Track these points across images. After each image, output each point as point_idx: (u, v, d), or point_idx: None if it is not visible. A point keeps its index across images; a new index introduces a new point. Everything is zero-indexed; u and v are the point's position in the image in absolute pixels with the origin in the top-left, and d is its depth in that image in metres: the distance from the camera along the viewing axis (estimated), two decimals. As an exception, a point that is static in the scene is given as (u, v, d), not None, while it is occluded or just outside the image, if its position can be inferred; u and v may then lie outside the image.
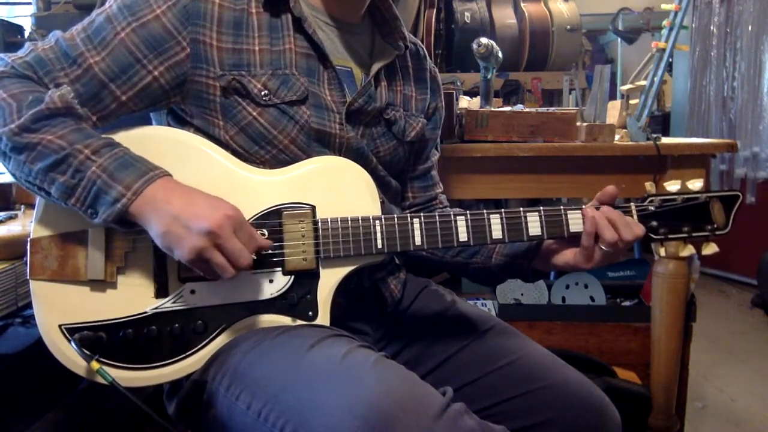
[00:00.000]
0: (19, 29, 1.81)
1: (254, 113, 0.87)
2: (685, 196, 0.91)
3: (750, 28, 3.42)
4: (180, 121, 0.91)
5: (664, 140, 1.58)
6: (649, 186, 0.92)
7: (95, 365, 0.79)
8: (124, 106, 0.85)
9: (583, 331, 1.76)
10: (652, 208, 0.90)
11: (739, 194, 0.92)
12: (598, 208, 0.89)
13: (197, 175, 0.85)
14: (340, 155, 0.92)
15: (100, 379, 0.80)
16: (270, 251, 0.84)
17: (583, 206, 0.90)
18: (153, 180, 0.77)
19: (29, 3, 2.09)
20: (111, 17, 0.84)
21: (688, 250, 0.92)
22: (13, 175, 0.80)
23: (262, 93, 0.87)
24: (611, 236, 0.86)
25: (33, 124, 0.76)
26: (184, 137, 0.88)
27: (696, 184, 0.91)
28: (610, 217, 0.87)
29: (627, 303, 1.86)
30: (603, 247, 0.87)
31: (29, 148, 0.76)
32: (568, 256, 0.92)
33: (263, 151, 0.89)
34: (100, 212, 0.76)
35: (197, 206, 0.76)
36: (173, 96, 0.88)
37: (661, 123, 3.65)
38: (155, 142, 0.86)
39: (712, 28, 3.61)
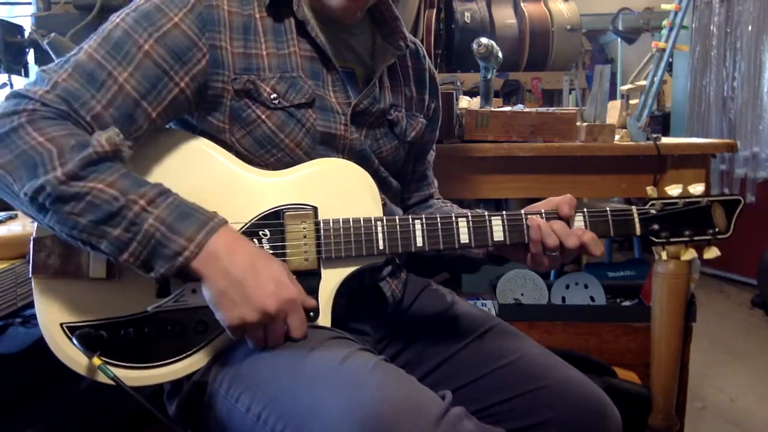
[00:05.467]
0: (19, 29, 1.80)
1: (263, 116, 0.87)
2: (687, 200, 0.91)
3: (750, 28, 3.42)
4: (184, 124, 0.91)
5: (664, 140, 1.58)
6: (651, 190, 0.92)
7: (97, 361, 0.78)
8: (153, 123, 0.82)
9: (583, 331, 1.76)
10: (653, 211, 0.91)
11: (741, 199, 0.92)
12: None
13: (200, 176, 0.85)
14: (343, 157, 0.92)
15: (101, 377, 0.80)
16: (272, 251, 0.84)
17: (585, 210, 0.91)
18: (214, 231, 0.74)
19: (29, 3, 2.08)
20: (129, 30, 0.80)
21: (690, 254, 0.92)
22: (51, 228, 0.74)
23: (272, 96, 0.87)
24: (553, 242, 0.87)
25: (81, 171, 0.71)
26: (187, 138, 0.88)
27: (697, 189, 0.91)
28: (554, 226, 0.88)
29: (627, 303, 1.86)
30: (548, 253, 0.88)
31: (77, 198, 0.70)
32: (521, 256, 0.92)
33: (268, 154, 0.89)
34: (157, 266, 0.73)
35: (262, 278, 0.74)
36: (193, 106, 0.87)
37: (661, 123, 3.65)
38: (158, 143, 0.86)
39: (712, 28, 3.61)
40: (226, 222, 0.77)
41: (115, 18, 0.83)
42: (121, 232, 0.72)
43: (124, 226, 0.72)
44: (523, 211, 0.90)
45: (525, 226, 0.89)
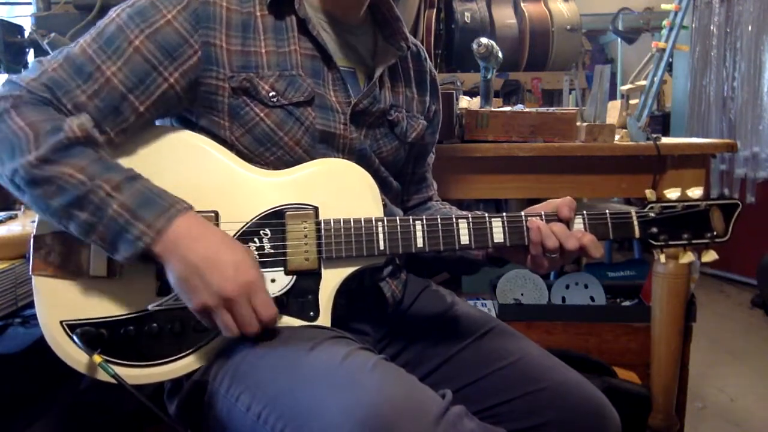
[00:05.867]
0: (19, 29, 1.81)
1: (261, 114, 0.87)
2: (685, 204, 0.91)
3: (750, 28, 3.42)
4: (185, 122, 0.91)
5: (664, 140, 1.58)
6: (650, 193, 0.93)
7: (98, 359, 0.78)
8: (141, 117, 0.83)
9: (583, 331, 1.76)
10: (652, 214, 0.91)
11: (739, 203, 0.92)
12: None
13: (201, 175, 0.85)
14: (343, 156, 0.92)
15: (101, 375, 0.80)
16: (273, 251, 0.84)
17: (584, 212, 0.91)
18: (174, 217, 0.76)
19: (29, 3, 2.09)
20: (122, 26, 0.82)
21: (688, 257, 0.93)
22: (30, 206, 0.79)
23: (270, 94, 0.87)
24: (553, 244, 0.87)
25: (52, 155, 0.74)
26: (188, 137, 0.88)
27: (696, 192, 0.92)
28: (554, 228, 0.87)
29: (627, 303, 1.86)
30: (547, 255, 0.88)
31: (48, 182, 0.74)
32: (521, 258, 0.92)
33: (268, 152, 0.89)
34: (121, 250, 0.75)
35: (221, 262, 0.75)
36: (185, 102, 0.87)
37: (661, 123, 3.65)
38: (159, 142, 0.86)
39: (712, 28, 3.61)
40: (190, 208, 0.78)
41: (111, 13, 0.85)
42: (88, 215, 0.75)
43: (91, 210, 0.75)
44: (523, 213, 0.90)
45: (525, 227, 0.89)
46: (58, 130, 0.75)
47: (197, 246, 0.75)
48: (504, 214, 0.89)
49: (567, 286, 1.83)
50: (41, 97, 0.79)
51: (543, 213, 0.90)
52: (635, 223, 0.91)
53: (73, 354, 0.82)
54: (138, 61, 0.82)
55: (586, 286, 1.83)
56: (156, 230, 0.75)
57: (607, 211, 0.91)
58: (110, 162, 0.78)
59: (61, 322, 0.82)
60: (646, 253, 2.63)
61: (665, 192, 0.93)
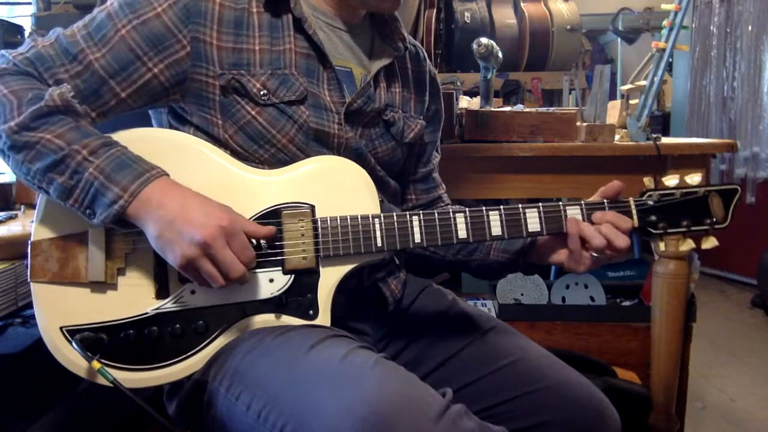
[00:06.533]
0: (19, 29, 1.81)
1: (253, 112, 0.88)
2: (684, 191, 0.90)
3: (750, 28, 3.42)
4: (180, 119, 0.91)
5: (664, 140, 1.58)
6: (648, 181, 0.92)
7: (96, 365, 0.79)
8: (124, 102, 0.85)
9: (583, 331, 1.76)
10: (650, 202, 0.90)
11: (738, 188, 0.91)
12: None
13: (197, 176, 0.85)
14: (338, 155, 0.92)
15: (101, 380, 0.80)
16: (269, 249, 0.84)
17: (582, 201, 0.90)
18: (149, 181, 0.77)
19: (29, 3, 2.09)
20: (112, 14, 0.85)
21: (688, 245, 0.92)
22: (14, 171, 0.81)
23: (261, 93, 0.87)
24: (599, 243, 0.85)
25: (32, 122, 0.77)
26: (184, 139, 0.88)
27: (694, 179, 0.91)
28: (598, 222, 0.86)
29: (627, 303, 1.86)
30: (592, 253, 0.87)
31: (28, 147, 0.77)
32: (561, 256, 0.92)
33: (262, 150, 0.89)
34: (98, 213, 0.77)
35: (191, 212, 0.76)
36: (173, 94, 0.88)
37: (661, 123, 3.65)
38: (155, 144, 0.86)
39: (712, 28, 3.62)
40: (165, 174, 0.79)
41: (106, 2, 0.87)
42: (66, 179, 0.77)
43: (68, 174, 0.77)
44: (520, 206, 0.89)
45: (524, 220, 0.88)
46: (39, 98, 0.78)
47: (169, 203, 0.77)
48: (501, 206, 0.89)
49: (567, 286, 1.83)
50: (24, 70, 0.82)
51: (583, 202, 0.89)
52: (633, 211, 0.90)
53: (74, 359, 0.82)
54: (122, 49, 0.83)
55: (586, 286, 1.83)
56: (131, 194, 0.76)
57: (605, 200, 0.90)
58: (88, 129, 0.80)
59: (61, 329, 0.82)
60: (646, 252, 2.63)
61: (664, 179, 0.92)
